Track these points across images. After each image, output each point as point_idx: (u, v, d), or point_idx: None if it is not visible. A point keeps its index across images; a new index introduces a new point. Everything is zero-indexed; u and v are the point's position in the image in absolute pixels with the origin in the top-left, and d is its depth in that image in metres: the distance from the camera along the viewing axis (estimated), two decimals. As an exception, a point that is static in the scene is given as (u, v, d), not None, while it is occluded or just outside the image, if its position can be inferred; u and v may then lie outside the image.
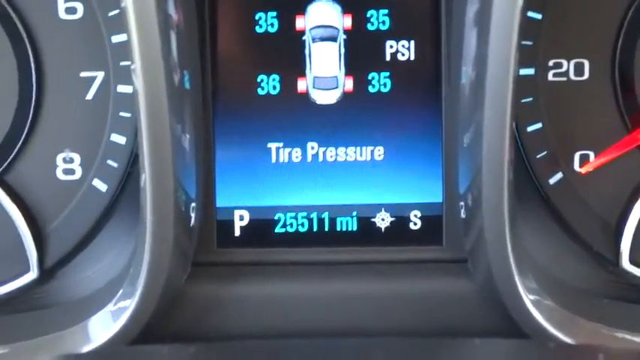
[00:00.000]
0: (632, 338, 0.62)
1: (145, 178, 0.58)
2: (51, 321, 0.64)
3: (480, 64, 0.57)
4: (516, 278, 0.59)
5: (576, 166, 0.66)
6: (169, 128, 0.58)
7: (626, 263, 0.65)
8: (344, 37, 0.66)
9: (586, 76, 0.66)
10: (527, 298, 0.60)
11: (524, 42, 0.62)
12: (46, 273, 0.68)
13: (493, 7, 0.54)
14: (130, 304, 0.61)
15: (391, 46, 0.65)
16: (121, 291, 0.61)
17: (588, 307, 0.64)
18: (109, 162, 0.67)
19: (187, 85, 0.62)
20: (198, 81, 0.67)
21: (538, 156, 0.67)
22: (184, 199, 0.61)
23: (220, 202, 0.68)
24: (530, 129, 0.67)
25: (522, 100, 0.67)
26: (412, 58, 0.65)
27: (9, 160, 0.66)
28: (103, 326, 0.62)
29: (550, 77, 0.66)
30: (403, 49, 0.65)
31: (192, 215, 0.65)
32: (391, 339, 0.66)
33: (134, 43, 0.55)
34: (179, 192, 0.60)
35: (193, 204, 0.65)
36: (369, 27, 0.65)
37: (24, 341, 0.62)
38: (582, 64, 0.66)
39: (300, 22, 0.65)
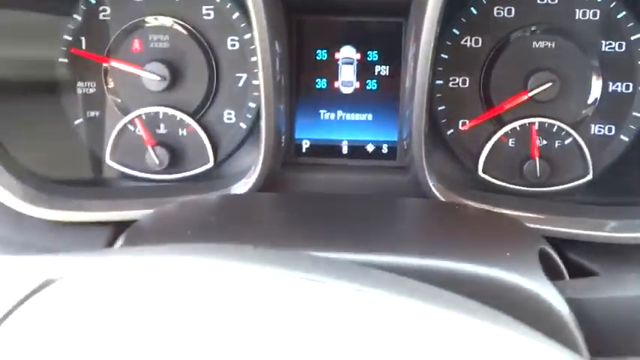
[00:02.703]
0: (481, 205, 0.78)
1: (263, 123, 0.77)
2: (222, 184, 0.82)
3: (412, 78, 0.74)
4: (427, 176, 0.77)
5: (460, 127, 0.88)
6: (273, 102, 0.76)
7: (481, 173, 0.87)
8: (357, 62, 0.88)
9: (467, 84, 0.87)
10: (432, 185, 0.77)
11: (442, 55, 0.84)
12: (217, 164, 0.89)
13: (421, 45, 0.71)
14: (254, 177, 0.79)
15: (379, 68, 0.88)
16: (253, 169, 0.79)
17: (463, 191, 0.81)
18: (247, 115, 0.89)
19: (282, 83, 0.80)
20: (287, 81, 0.85)
21: (442, 120, 0.88)
22: (279, 132, 0.79)
23: (297, 135, 0.90)
24: (440, 108, 0.88)
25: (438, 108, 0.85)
26: (388, 73, 0.87)
27: (203, 110, 0.89)
28: (242, 187, 0.80)
29: (450, 85, 0.87)
30: (384, 69, 0.87)
31: (283, 139, 0.83)
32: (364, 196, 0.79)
33: (259, 61, 0.74)
34: (276, 130, 0.78)
35: (283, 136, 0.83)
36: (368, 59, 0.87)
37: (207, 192, 0.80)
38: (465, 79, 0.87)
39: (337, 55, 0.87)
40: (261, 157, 0.78)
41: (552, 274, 0.60)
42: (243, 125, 0.89)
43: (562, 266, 0.62)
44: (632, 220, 0.73)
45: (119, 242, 0.55)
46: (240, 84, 0.87)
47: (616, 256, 0.76)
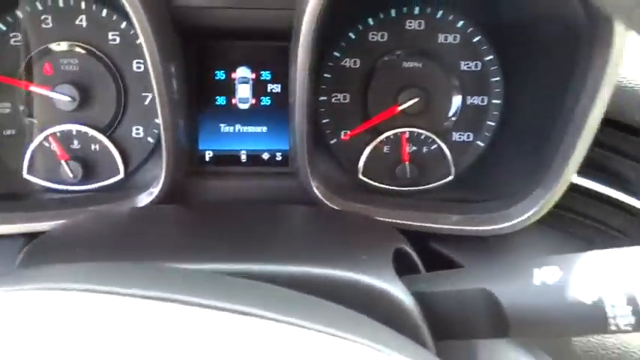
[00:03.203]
0: (360, 205, 0.81)
1: (163, 138, 0.77)
2: (130, 194, 0.81)
3: (293, 95, 0.75)
4: (311, 181, 0.79)
5: (342, 137, 0.91)
6: (170, 119, 0.76)
7: (361, 176, 0.90)
8: (252, 81, 0.90)
9: (348, 100, 0.91)
10: (315, 188, 0.79)
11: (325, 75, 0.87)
12: (128, 175, 0.90)
13: (298, 67, 0.71)
14: (159, 186, 0.78)
15: (271, 87, 0.90)
16: (158, 179, 0.78)
17: (344, 193, 0.83)
18: (154, 130, 0.89)
19: (180, 101, 0.81)
20: (187, 99, 0.86)
21: (327, 131, 0.90)
22: (179, 145, 0.80)
23: (200, 146, 0.92)
24: (324, 120, 0.90)
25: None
26: (280, 90, 0.90)
27: (113, 127, 0.89)
28: (148, 196, 0.79)
29: (333, 100, 0.90)
30: (276, 87, 0.90)
31: (185, 151, 0.85)
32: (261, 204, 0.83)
33: (154, 83, 0.73)
34: (175, 143, 0.79)
35: (185, 148, 0.86)
36: (262, 78, 0.90)
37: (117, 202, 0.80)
38: (346, 96, 0.91)
39: (234, 75, 0.89)
40: (164, 168, 0.79)
41: (410, 269, 0.64)
42: (150, 139, 0.91)
43: (418, 262, 0.66)
44: (480, 214, 0.76)
45: (20, 256, 0.55)
46: (147, 102, 0.90)
47: (481, 246, 0.80)
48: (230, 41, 0.89)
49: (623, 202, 0.82)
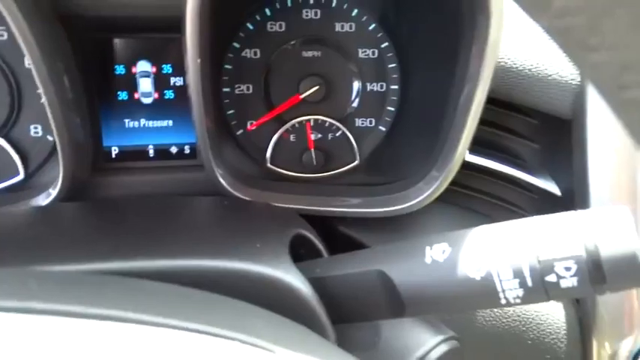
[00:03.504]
0: (269, 193, 0.79)
1: (56, 136, 0.72)
2: (30, 194, 0.78)
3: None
4: (215, 171, 0.76)
5: (248, 127, 0.88)
6: (62, 117, 0.71)
7: (269, 165, 0.88)
8: (153, 75, 0.86)
9: (251, 91, 0.87)
10: (221, 179, 0.77)
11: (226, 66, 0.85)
12: (28, 176, 0.84)
13: (187, 54, 0.67)
14: (59, 186, 0.74)
15: (174, 80, 0.86)
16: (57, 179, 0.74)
17: (252, 182, 0.80)
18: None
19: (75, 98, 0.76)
20: (86, 96, 0.80)
21: (233, 122, 0.88)
22: (76, 143, 0.75)
23: (105, 143, 0.87)
24: (229, 112, 0.88)
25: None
26: (182, 83, 0.85)
27: (9, 126, 0.82)
28: (47, 197, 0.75)
29: (236, 92, 0.86)
30: (179, 80, 0.86)
31: (84, 148, 0.80)
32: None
33: (38, 82, 0.68)
34: (71, 142, 0.73)
35: (84, 145, 0.80)
36: (163, 71, 0.85)
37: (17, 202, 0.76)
38: (249, 86, 0.87)
39: (134, 69, 0.85)
40: (61, 168, 0.75)
41: (315, 254, 0.64)
42: (50, 138, 0.86)
43: (321, 247, 0.62)
44: (382, 196, 0.75)
45: None
46: (43, 100, 0.78)
47: (387, 227, 0.79)
48: (128, 35, 0.85)
49: (516, 178, 0.83)
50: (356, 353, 0.51)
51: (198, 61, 0.68)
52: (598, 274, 0.44)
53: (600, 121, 0.78)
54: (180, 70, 0.87)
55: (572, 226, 0.45)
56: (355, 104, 0.91)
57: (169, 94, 0.88)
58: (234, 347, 0.37)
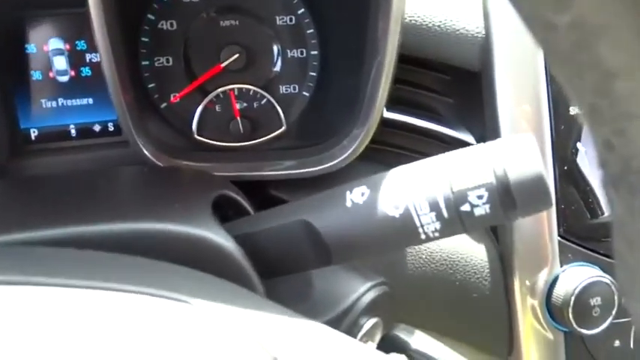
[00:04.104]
0: (196, 163, 0.75)
1: None
2: None
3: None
4: (140, 145, 0.72)
5: (171, 100, 0.83)
6: None
7: (196, 136, 0.83)
8: (67, 52, 0.80)
9: (171, 63, 0.83)
10: (146, 151, 0.72)
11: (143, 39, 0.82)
12: None
13: (94, 27, 0.64)
14: None
15: (89, 56, 0.81)
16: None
17: (179, 154, 0.76)
18: None
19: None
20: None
21: (155, 96, 0.83)
22: None
23: (23, 125, 0.80)
24: (150, 85, 0.83)
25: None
26: (98, 60, 0.70)
27: None
28: None
29: (156, 64, 0.82)
30: (95, 56, 0.80)
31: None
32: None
33: None
34: None
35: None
36: (77, 48, 0.80)
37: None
38: (169, 59, 0.82)
39: (46, 47, 0.79)
40: None
41: (242, 215, 0.60)
42: None
43: (247, 206, 0.59)
44: (308, 157, 0.72)
45: None
46: None
47: (315, 187, 0.71)
48: (34, 11, 0.79)
49: (434, 131, 0.82)
50: (288, 306, 0.49)
51: (106, 32, 0.62)
52: (508, 198, 0.44)
53: (507, 71, 0.78)
54: (94, 45, 0.80)
55: (483, 156, 0.46)
56: (277, 71, 0.88)
57: (86, 71, 0.83)
58: (145, 301, 0.33)
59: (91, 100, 0.83)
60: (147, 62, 0.83)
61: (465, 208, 0.44)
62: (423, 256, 0.79)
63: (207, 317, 0.33)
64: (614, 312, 0.76)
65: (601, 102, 0.20)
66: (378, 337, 0.61)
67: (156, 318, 0.32)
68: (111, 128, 0.85)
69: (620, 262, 0.26)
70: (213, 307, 0.35)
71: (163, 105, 0.85)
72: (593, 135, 0.23)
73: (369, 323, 0.58)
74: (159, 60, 0.83)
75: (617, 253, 0.26)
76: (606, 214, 0.80)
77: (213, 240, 0.48)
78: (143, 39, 0.82)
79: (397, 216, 0.46)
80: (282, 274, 0.53)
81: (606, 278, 0.75)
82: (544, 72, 0.77)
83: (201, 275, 0.43)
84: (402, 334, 0.70)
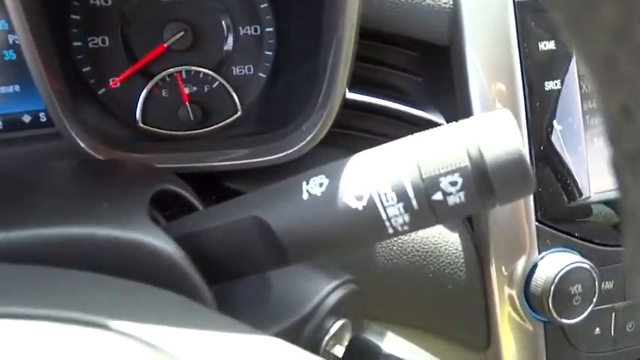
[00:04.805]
0: (146, 155, 0.70)
1: None
2: None
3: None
4: (72, 135, 0.65)
5: (110, 85, 0.76)
6: None
7: (141, 124, 0.76)
8: None
9: (107, 43, 0.75)
10: (82, 143, 0.65)
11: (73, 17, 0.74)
12: None
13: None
14: None
15: (12, 37, 0.72)
16: None
17: (121, 145, 0.70)
18: None
19: None
20: None
21: (91, 81, 0.76)
22: None
23: None
24: (85, 69, 0.77)
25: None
26: None
27: None
28: None
29: (90, 45, 0.75)
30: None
31: None
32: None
33: None
34: None
35: None
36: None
37: None
38: (105, 39, 0.75)
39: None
40: None
41: (189, 211, 0.54)
42: None
43: (196, 202, 0.52)
44: (265, 145, 0.66)
45: None
46: None
47: (275, 176, 0.70)
48: None
49: (401, 112, 0.77)
50: (243, 311, 0.46)
51: (21, 8, 0.55)
52: (485, 184, 0.38)
53: (478, 45, 0.73)
54: (18, 25, 0.72)
55: (455, 137, 0.40)
56: (229, 51, 0.80)
57: (10, 55, 0.73)
58: (48, 329, 0.27)
59: (17, 88, 0.74)
60: (79, 43, 0.74)
61: (437, 197, 0.39)
62: (394, 248, 0.74)
63: (128, 347, 0.27)
64: (594, 299, 0.74)
65: (618, 51, 0.16)
66: (346, 340, 0.56)
67: (60, 352, 0.26)
68: (43, 119, 0.76)
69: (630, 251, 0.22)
70: (138, 330, 0.29)
71: (102, 91, 0.77)
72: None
73: (335, 326, 0.53)
74: (93, 40, 0.75)
75: (628, 245, 0.22)
76: (584, 196, 0.77)
77: (149, 243, 0.42)
78: (73, 17, 0.73)
79: (360, 208, 0.41)
80: (233, 277, 0.47)
81: (586, 264, 0.72)
82: (517, 44, 0.72)
83: (130, 286, 0.37)
84: (373, 336, 0.65)
